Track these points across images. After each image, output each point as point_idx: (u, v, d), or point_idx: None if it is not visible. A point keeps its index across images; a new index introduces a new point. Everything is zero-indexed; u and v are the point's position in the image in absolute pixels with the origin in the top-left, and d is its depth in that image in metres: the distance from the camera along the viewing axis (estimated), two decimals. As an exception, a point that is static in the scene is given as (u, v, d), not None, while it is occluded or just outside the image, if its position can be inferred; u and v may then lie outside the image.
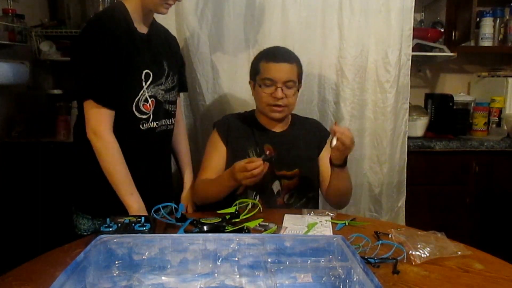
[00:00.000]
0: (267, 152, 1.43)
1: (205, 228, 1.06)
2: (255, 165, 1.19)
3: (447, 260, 0.97)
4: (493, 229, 2.15)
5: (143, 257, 0.82)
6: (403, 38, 1.83)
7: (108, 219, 1.02)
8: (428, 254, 0.97)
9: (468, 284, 0.87)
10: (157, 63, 1.33)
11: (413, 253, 0.97)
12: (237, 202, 1.29)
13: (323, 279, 0.80)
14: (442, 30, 2.42)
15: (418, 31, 2.24)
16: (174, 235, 0.85)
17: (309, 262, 0.83)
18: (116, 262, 0.81)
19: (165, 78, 1.36)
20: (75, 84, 1.24)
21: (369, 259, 0.94)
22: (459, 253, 1.00)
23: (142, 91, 1.27)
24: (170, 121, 1.41)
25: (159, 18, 1.74)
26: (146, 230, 1.00)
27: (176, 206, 1.19)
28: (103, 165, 1.20)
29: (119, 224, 1.00)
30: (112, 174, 1.21)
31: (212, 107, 1.82)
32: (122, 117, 1.25)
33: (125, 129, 1.26)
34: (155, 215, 1.11)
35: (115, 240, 0.81)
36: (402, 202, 1.97)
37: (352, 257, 0.75)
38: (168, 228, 1.13)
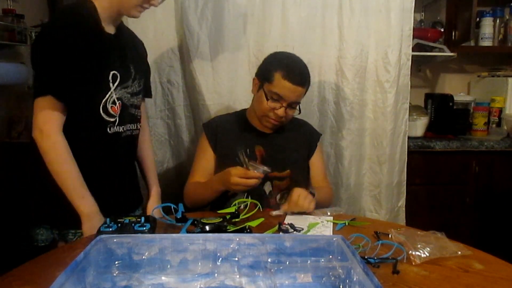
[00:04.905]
0: (258, 153, 1.45)
1: (207, 228, 1.05)
2: (254, 175, 1.23)
3: (447, 260, 0.97)
4: (493, 229, 2.15)
5: (143, 257, 0.82)
6: (403, 38, 1.83)
7: (108, 219, 1.02)
8: (428, 254, 0.97)
9: (468, 284, 0.87)
10: (124, 65, 1.28)
11: (413, 253, 0.97)
12: (236, 201, 1.29)
13: (323, 279, 0.80)
14: (442, 30, 2.42)
15: (418, 31, 2.24)
16: (174, 235, 0.85)
17: (309, 262, 0.83)
18: (116, 262, 0.81)
19: (132, 81, 1.31)
20: (36, 79, 1.16)
21: (369, 259, 0.94)
22: (459, 253, 1.00)
23: (110, 93, 1.23)
24: (135, 125, 1.37)
25: (157, 17, 1.76)
26: (146, 230, 1.00)
27: (175, 206, 1.19)
28: (50, 167, 1.12)
29: (119, 224, 1.01)
30: (60, 175, 1.13)
31: (212, 107, 1.82)
32: (90, 119, 1.21)
33: (92, 133, 1.23)
34: (154, 216, 1.11)
35: (115, 240, 0.81)
36: (402, 202, 1.97)
37: (352, 257, 0.75)
38: (169, 228, 1.13)
